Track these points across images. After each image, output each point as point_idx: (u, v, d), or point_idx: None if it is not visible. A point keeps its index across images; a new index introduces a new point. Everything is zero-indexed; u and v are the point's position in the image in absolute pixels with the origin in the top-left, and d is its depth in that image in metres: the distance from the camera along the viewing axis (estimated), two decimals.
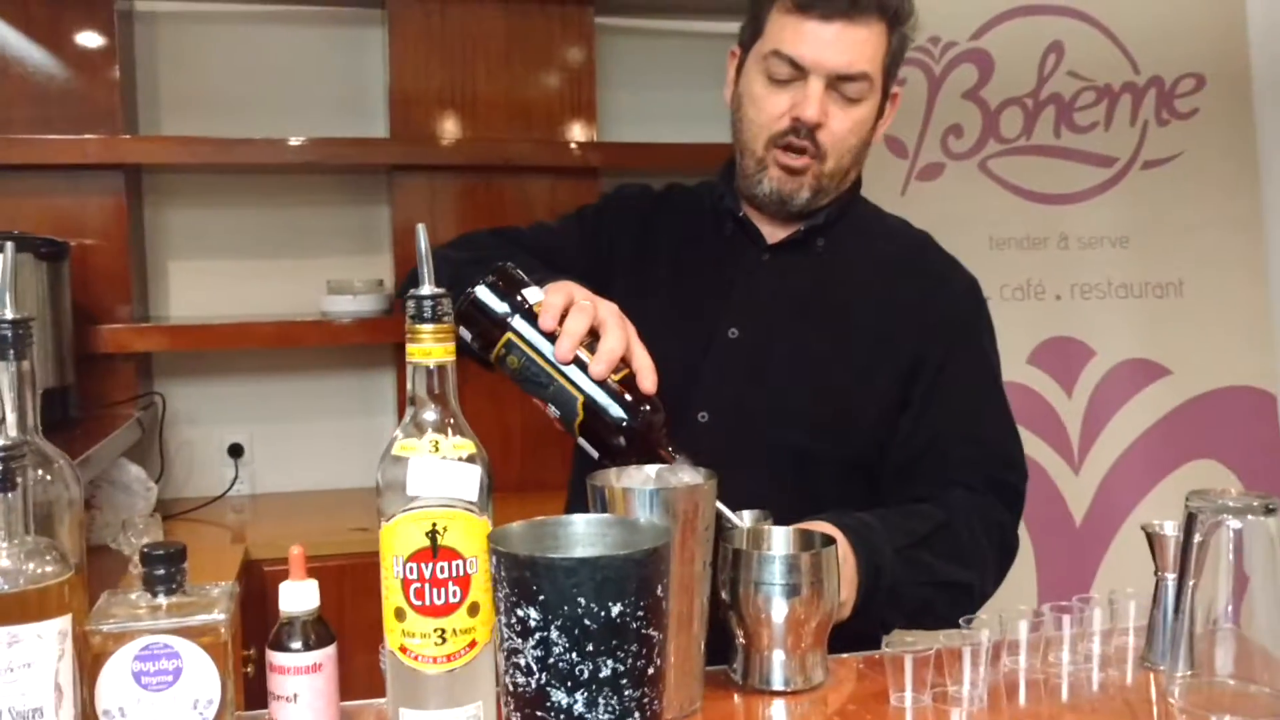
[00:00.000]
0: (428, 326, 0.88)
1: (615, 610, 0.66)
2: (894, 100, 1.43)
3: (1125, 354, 2.28)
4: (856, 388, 1.37)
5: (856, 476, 1.38)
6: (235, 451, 2.78)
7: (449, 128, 2.75)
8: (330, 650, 0.93)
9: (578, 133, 2.83)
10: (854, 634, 1.18)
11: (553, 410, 1.09)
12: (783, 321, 1.39)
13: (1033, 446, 1.40)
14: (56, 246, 2.27)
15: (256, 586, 2.26)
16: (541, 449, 2.58)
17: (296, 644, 0.92)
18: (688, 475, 1.02)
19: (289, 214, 2.83)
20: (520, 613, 0.66)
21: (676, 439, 1.09)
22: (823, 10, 1.30)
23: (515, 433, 2.64)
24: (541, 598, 0.65)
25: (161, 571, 0.88)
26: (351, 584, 2.26)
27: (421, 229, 0.93)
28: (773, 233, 1.44)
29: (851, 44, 1.31)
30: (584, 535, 0.78)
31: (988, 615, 1.08)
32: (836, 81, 1.32)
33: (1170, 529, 1.09)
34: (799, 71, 1.32)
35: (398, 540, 0.87)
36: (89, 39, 2.52)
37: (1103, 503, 2.21)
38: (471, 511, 0.87)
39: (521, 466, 2.61)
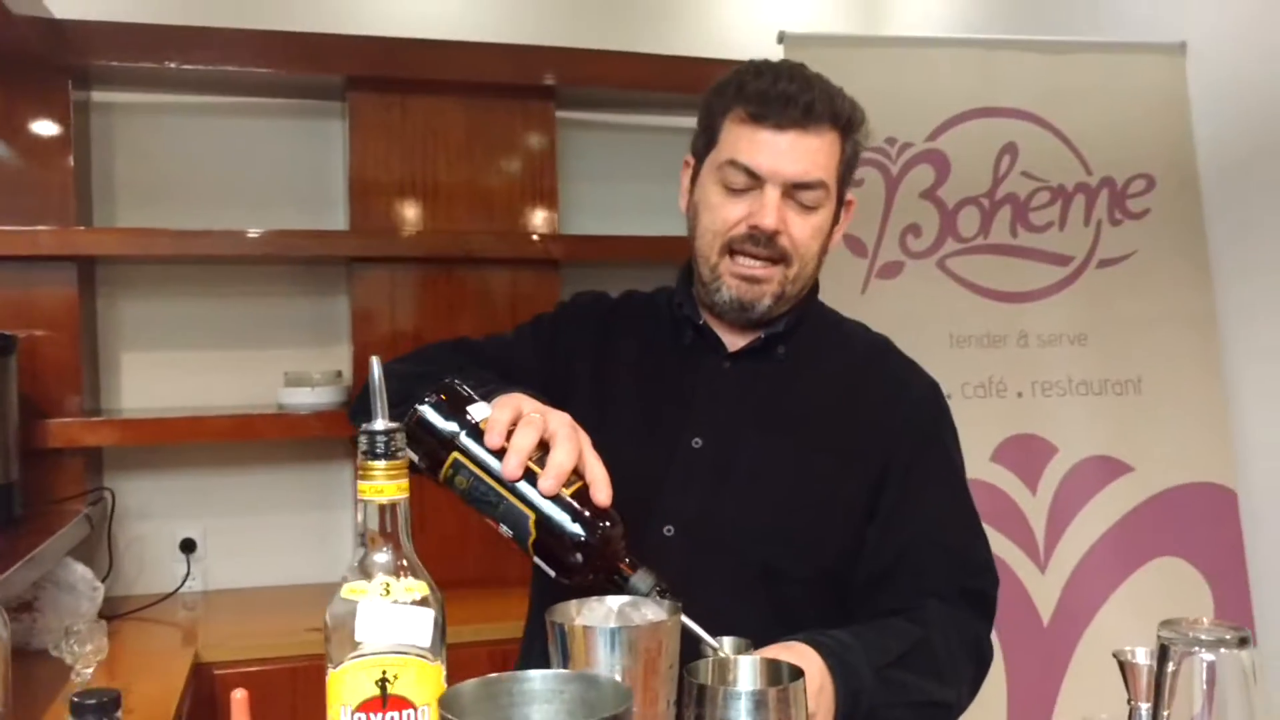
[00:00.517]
0: (380, 463, 0.85)
1: None
2: (849, 208, 1.44)
3: (1087, 451, 2.28)
4: (823, 498, 1.35)
5: (825, 589, 1.35)
6: (188, 547, 2.70)
7: (409, 219, 2.74)
8: None
9: (539, 225, 2.83)
10: None
11: (505, 530, 1.05)
12: (746, 431, 1.38)
13: (999, 545, 1.39)
14: (4, 340, 2.22)
15: (206, 691, 2.19)
16: (497, 544, 2.53)
17: None
18: (650, 611, 0.99)
19: (245, 305, 2.79)
20: None
21: (637, 550, 1.06)
22: (777, 120, 1.31)
23: (471, 528, 2.57)
24: None
25: None
26: (305, 685, 2.19)
27: (375, 361, 0.90)
28: (733, 340, 1.43)
29: (805, 153, 1.32)
30: (540, 693, 0.75)
31: None
32: (792, 190, 1.33)
33: (1142, 657, 1.07)
34: (755, 180, 1.33)
35: (345, 689, 0.83)
36: (44, 128, 2.49)
37: (1069, 601, 2.19)
38: (424, 658, 0.83)
39: (477, 563, 2.56)
